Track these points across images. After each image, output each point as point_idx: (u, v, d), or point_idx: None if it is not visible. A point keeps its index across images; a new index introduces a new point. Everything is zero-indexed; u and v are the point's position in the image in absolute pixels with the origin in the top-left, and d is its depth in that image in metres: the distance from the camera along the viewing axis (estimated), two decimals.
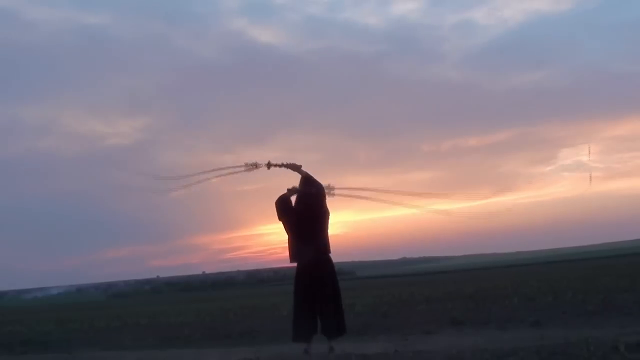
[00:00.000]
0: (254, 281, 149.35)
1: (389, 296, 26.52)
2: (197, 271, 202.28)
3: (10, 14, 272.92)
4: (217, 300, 45.18)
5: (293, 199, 9.29)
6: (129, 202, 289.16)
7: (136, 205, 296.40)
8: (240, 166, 9.53)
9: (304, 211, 9.10)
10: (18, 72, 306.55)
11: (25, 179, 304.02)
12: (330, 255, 9.20)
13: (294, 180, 9.34)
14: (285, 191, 9.26)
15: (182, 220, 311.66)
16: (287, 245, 9.22)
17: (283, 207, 9.20)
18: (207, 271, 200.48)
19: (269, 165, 9.44)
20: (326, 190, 9.32)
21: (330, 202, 9.34)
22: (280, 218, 9.24)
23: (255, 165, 9.48)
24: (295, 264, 9.19)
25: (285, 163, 9.41)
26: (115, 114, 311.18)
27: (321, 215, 9.15)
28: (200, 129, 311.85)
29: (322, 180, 9.32)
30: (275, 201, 9.24)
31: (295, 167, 9.37)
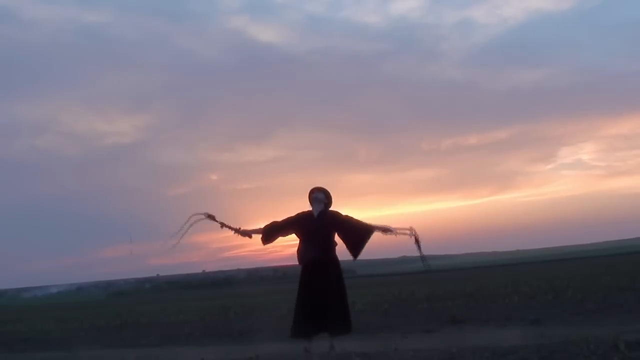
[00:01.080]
0: (254, 279, 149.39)
1: (389, 294, 26.51)
2: (197, 270, 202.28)
3: (11, 12, 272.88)
4: (217, 299, 45.18)
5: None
6: (128, 200, 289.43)
7: (136, 204, 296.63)
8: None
9: (324, 226, 9.12)
10: (18, 70, 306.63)
11: (25, 178, 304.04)
12: (336, 254, 9.20)
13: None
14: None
15: (181, 218, 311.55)
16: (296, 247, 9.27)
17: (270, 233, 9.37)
18: (207, 269, 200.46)
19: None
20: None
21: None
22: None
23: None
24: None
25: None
26: (115, 112, 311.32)
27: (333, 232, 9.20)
28: (200, 127, 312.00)
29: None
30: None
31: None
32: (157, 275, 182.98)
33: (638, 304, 13.44)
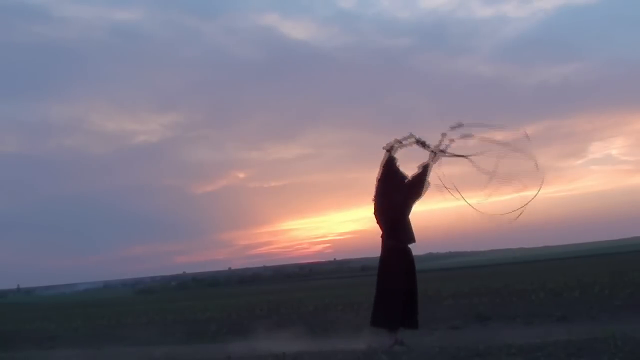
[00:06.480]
0: (280, 277, 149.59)
1: None
2: (223, 267, 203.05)
3: (41, 10, 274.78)
4: (243, 296, 45.33)
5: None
6: (156, 198, 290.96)
7: (164, 202, 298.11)
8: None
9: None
10: (48, 69, 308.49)
11: (54, 177, 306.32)
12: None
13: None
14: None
15: (208, 216, 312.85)
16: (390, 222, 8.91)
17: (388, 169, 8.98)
18: (233, 267, 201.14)
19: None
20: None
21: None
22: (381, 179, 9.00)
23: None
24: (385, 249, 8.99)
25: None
26: (144, 111, 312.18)
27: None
28: (228, 125, 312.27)
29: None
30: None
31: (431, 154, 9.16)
32: (184, 272, 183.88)
33: None
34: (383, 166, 8.96)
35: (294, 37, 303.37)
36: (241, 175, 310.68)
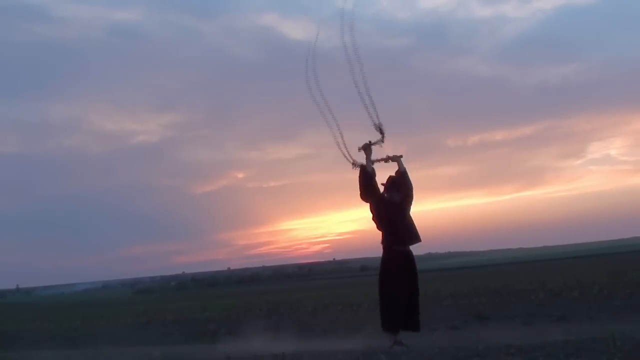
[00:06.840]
0: (279, 277, 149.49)
1: None
2: (223, 267, 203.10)
3: (40, 10, 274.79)
4: (242, 296, 45.30)
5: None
6: (156, 198, 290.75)
7: (163, 202, 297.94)
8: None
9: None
10: (47, 69, 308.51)
11: (53, 177, 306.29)
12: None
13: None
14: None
15: (208, 216, 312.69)
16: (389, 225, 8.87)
17: (366, 182, 8.95)
18: (233, 267, 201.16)
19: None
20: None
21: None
22: (362, 195, 8.98)
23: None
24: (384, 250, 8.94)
25: (385, 157, 9.14)
26: (143, 111, 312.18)
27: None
28: (227, 125, 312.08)
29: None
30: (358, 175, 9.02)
31: (395, 158, 9.15)
32: (183, 272, 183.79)
33: None
34: (364, 181, 9.00)
35: (293, 37, 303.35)
36: (240, 175, 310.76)
